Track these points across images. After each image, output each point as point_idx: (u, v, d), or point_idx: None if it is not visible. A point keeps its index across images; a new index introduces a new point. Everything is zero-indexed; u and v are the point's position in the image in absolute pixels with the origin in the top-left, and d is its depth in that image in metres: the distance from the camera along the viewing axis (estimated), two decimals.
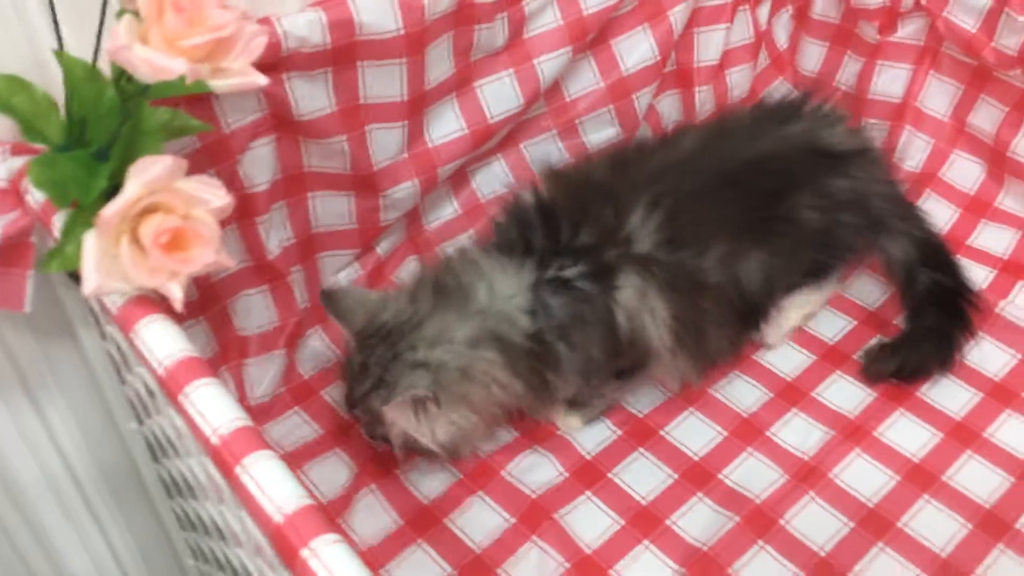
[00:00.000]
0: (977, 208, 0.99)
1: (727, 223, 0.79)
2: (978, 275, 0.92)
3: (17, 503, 0.88)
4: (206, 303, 0.84)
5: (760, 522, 0.74)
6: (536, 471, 0.79)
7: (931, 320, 0.84)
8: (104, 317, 0.67)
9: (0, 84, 0.59)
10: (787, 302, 0.87)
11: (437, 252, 0.95)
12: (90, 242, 0.51)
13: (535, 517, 0.75)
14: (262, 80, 0.53)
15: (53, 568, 0.96)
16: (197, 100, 0.74)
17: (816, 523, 0.74)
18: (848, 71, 1.08)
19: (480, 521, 0.76)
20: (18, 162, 0.65)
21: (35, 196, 0.62)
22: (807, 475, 0.78)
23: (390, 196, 0.88)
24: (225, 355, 0.84)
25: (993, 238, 0.97)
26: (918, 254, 0.87)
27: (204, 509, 0.67)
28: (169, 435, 0.65)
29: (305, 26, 0.75)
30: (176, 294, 0.53)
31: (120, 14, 0.51)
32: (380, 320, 0.74)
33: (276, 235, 0.85)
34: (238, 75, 0.53)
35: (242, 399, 0.84)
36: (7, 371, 0.79)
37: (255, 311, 0.86)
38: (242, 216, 0.82)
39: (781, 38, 1.13)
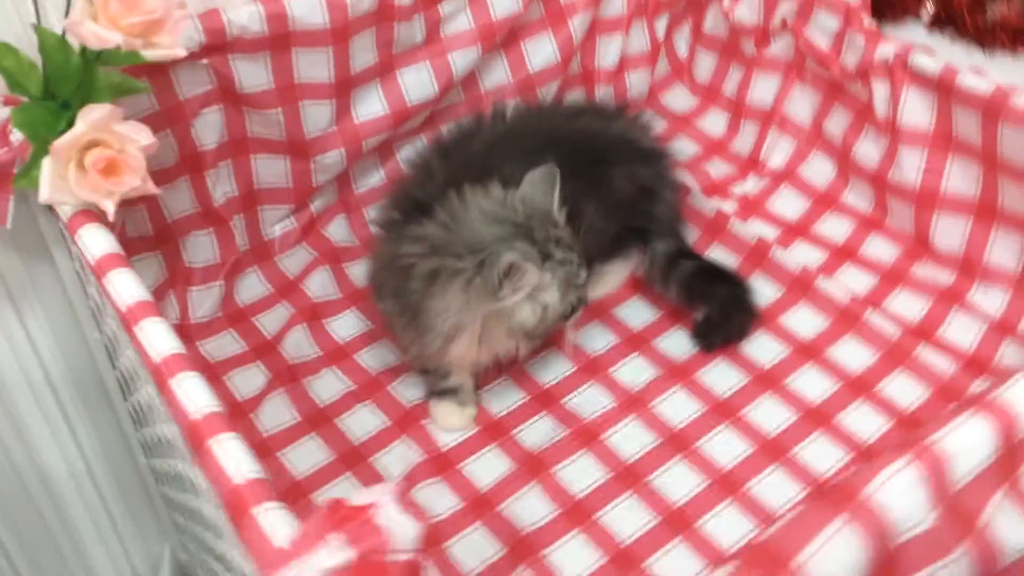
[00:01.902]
0: (825, 201, 1.16)
1: (564, 171, 0.90)
2: (813, 256, 1.09)
3: (2, 401, 1.07)
4: (161, 240, 1.02)
5: (584, 436, 0.92)
6: (415, 389, 0.97)
7: (717, 291, 1.01)
8: (70, 238, 0.86)
9: None
10: (606, 267, 1.05)
11: (364, 213, 1.14)
12: (46, 165, 0.70)
13: (409, 422, 0.94)
14: (182, 52, 0.73)
15: (31, 461, 1.14)
16: (158, 71, 0.93)
17: (631, 442, 0.92)
18: (732, 80, 1.26)
19: (363, 422, 0.94)
20: (7, 112, 0.84)
21: (16, 136, 0.80)
22: (632, 404, 0.95)
23: (320, 161, 1.06)
24: (173, 281, 1.03)
25: (834, 227, 1.13)
26: (678, 250, 1.05)
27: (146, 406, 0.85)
28: (113, 336, 0.83)
29: (246, 16, 0.93)
30: (109, 209, 0.72)
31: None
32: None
33: (221, 187, 1.04)
34: (165, 48, 0.72)
35: (184, 317, 1.03)
36: None
37: (202, 249, 1.05)
38: (193, 170, 1.01)
39: (681, 48, 1.31)
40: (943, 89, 1.00)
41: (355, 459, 0.91)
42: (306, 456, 0.92)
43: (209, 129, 1.00)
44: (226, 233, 1.05)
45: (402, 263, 0.84)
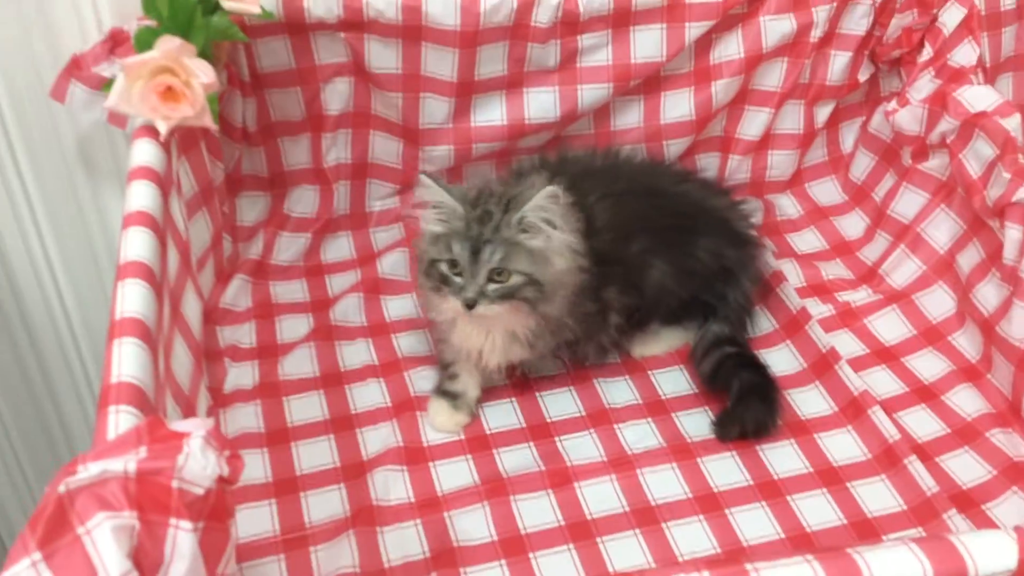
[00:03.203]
0: (931, 335, 1.06)
1: (641, 227, 0.96)
2: (886, 386, 1.01)
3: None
4: (274, 183, 1.13)
5: (558, 478, 0.91)
6: (428, 381, 1.01)
7: (742, 379, 0.96)
8: None
9: None
10: (663, 329, 1.03)
11: None
12: (120, 78, 0.80)
13: (405, 407, 0.97)
14: (256, 10, 0.81)
15: None
16: (300, 33, 1.03)
17: (600, 499, 0.90)
18: (884, 186, 1.18)
19: (368, 395, 0.99)
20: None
21: None
22: (620, 464, 0.93)
23: (428, 152, 1.12)
24: (270, 221, 1.13)
25: (928, 364, 1.04)
26: (730, 336, 1.01)
27: None
28: None
29: (384, 3, 1.01)
30: (162, 128, 0.82)
31: None
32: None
33: (336, 152, 1.13)
34: (245, 2, 0.80)
35: (266, 256, 1.12)
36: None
37: (304, 200, 1.15)
38: (314, 129, 1.11)
39: (847, 142, 1.25)
40: None
41: (344, 425, 0.96)
42: (304, 408, 0.98)
43: (336, 96, 1.09)
44: (328, 193, 1.14)
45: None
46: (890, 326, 1.08)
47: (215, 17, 0.87)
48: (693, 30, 1.09)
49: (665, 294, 1.00)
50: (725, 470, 0.93)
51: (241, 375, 1.00)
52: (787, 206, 1.23)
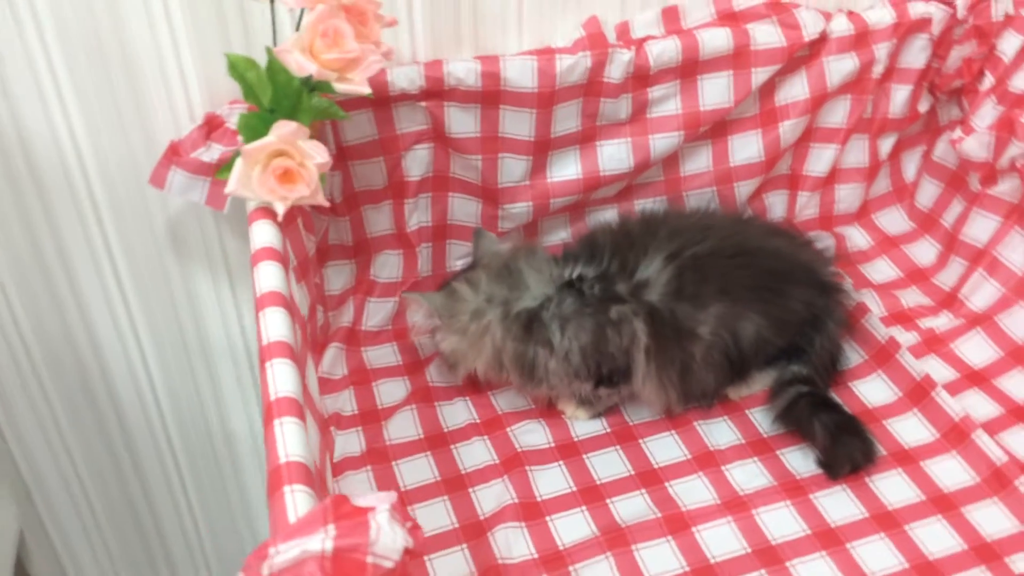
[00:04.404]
0: (1020, 355, 1.08)
1: (732, 287, 0.98)
2: (983, 408, 1.02)
3: (206, 356, 1.24)
4: (358, 251, 1.15)
5: (675, 524, 0.92)
6: (532, 435, 1.02)
7: (828, 422, 0.98)
8: None
9: (241, 61, 0.92)
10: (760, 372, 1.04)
11: None
12: (239, 163, 0.83)
13: (513, 464, 0.99)
14: (366, 90, 0.83)
15: (221, 421, 1.31)
16: (383, 105, 1.06)
17: (720, 542, 0.91)
18: (952, 212, 1.20)
19: (475, 453, 1.00)
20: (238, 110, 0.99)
21: (240, 138, 0.95)
22: (735, 506, 0.94)
23: (507, 210, 1.15)
24: (357, 288, 1.15)
25: (1019, 383, 1.05)
26: (809, 376, 1.03)
27: None
28: None
29: (463, 71, 1.04)
30: (279, 209, 0.84)
31: (297, 27, 0.83)
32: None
33: (417, 216, 1.15)
34: (355, 84, 0.83)
35: (357, 322, 1.15)
36: (219, 258, 1.15)
37: (389, 266, 1.17)
38: (396, 196, 1.13)
39: (910, 172, 1.27)
40: None
41: (456, 485, 0.97)
42: (415, 471, 0.99)
43: (417, 163, 1.12)
44: (412, 257, 1.16)
45: None
46: (977, 349, 1.10)
47: (315, 99, 0.90)
48: (759, 75, 1.12)
49: (764, 343, 1.02)
50: (839, 504, 0.94)
51: (348, 442, 1.02)
52: (856, 237, 1.26)
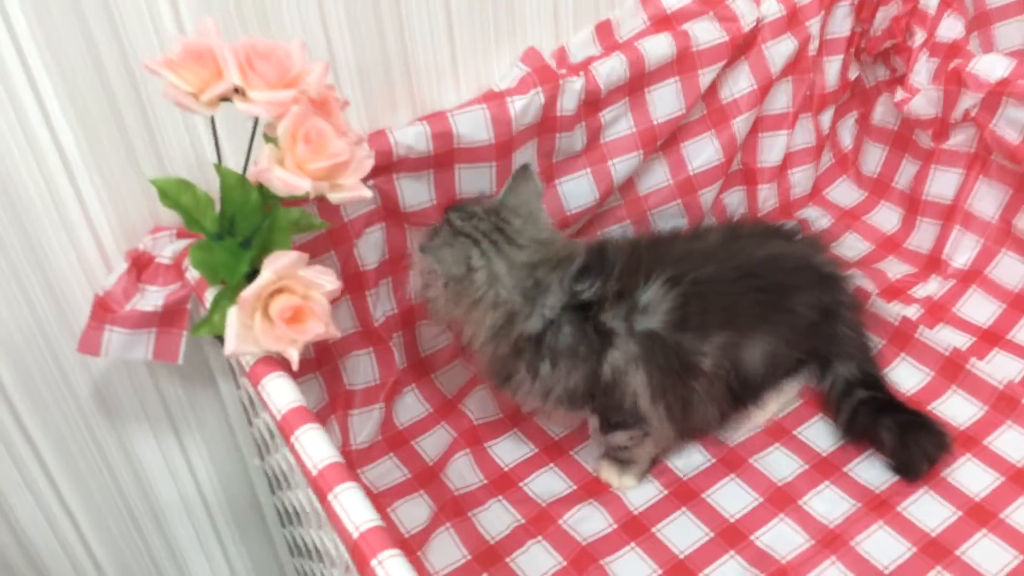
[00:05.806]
0: (1020, 304, 1.06)
1: (736, 313, 0.90)
2: (1014, 367, 1.00)
3: (158, 520, 1.04)
4: (322, 361, 0.99)
5: None
6: (588, 521, 0.91)
7: (891, 426, 0.93)
8: (239, 371, 0.83)
9: (172, 185, 0.75)
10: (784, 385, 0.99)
11: None
12: (232, 315, 0.67)
13: (584, 562, 0.87)
14: (367, 194, 0.69)
15: None
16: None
17: None
18: (906, 174, 1.18)
19: (537, 562, 0.88)
20: (181, 244, 0.82)
21: (192, 273, 0.79)
22: (831, 541, 0.87)
23: None
24: (334, 405, 1.00)
25: None
26: (859, 376, 0.97)
27: (308, 534, 0.82)
28: (284, 469, 0.80)
29: (412, 136, 0.91)
30: (293, 357, 0.69)
31: (266, 140, 0.68)
32: None
33: (381, 306, 1.01)
34: (350, 189, 0.69)
35: (346, 444, 0.99)
36: (159, 410, 0.96)
37: (361, 369, 1.02)
38: (354, 289, 0.98)
39: (846, 140, 1.24)
40: None
41: None
42: None
43: (371, 248, 0.97)
44: (386, 353, 1.02)
45: None
46: (979, 308, 1.08)
47: (291, 212, 0.74)
48: (706, 75, 1.04)
49: (782, 358, 0.95)
50: (929, 510, 0.89)
51: None
52: (817, 218, 1.22)
